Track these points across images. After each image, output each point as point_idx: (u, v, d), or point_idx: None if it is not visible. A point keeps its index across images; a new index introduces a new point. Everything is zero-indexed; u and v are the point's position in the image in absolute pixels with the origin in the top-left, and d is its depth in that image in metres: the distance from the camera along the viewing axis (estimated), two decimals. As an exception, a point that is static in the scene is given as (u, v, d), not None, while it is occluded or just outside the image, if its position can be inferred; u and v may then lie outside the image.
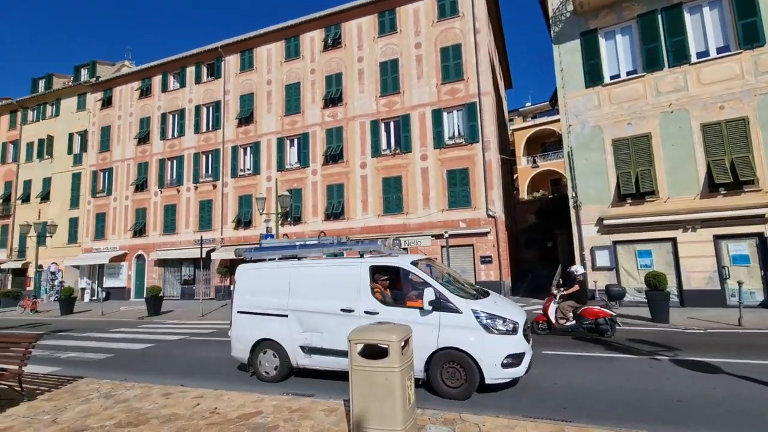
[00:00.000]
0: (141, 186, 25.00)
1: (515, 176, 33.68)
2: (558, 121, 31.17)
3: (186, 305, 19.40)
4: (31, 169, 29.49)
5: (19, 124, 30.71)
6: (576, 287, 8.93)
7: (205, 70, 24.38)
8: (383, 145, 19.41)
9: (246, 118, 22.40)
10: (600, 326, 8.43)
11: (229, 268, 21.55)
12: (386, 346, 3.68)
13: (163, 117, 24.97)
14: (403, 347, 3.77)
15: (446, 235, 16.21)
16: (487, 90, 17.80)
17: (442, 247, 16.94)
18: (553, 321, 8.90)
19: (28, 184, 29.42)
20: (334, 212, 19.64)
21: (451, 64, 18.45)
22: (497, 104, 20.71)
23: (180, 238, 23.31)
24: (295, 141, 21.41)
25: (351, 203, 19.52)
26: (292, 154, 21.47)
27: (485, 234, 16.87)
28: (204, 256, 20.25)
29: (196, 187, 23.32)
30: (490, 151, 17.39)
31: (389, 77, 19.55)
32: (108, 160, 26.49)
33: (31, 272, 25.35)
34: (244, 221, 21.69)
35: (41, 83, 31.19)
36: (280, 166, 21.28)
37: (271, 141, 21.76)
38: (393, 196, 18.74)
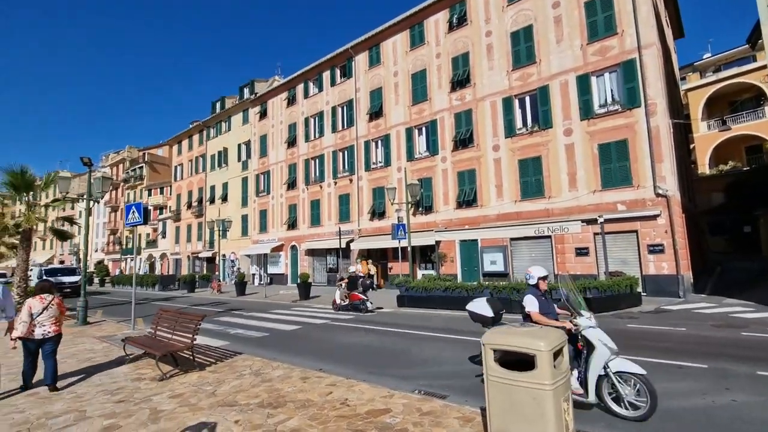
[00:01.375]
0: (291, 184, 28.16)
1: (691, 146, 27.33)
2: (755, 70, 24.20)
3: (331, 291, 21.04)
4: (215, 176, 36.11)
5: (205, 141, 37.91)
6: (347, 278, 13.82)
7: (338, 72, 26.00)
8: (518, 123, 17.67)
9: (376, 112, 23.09)
10: (359, 306, 13.01)
11: (366, 257, 22.66)
12: (533, 356, 2.90)
13: (306, 121, 27.58)
14: (555, 358, 2.93)
15: (601, 220, 13.85)
16: (650, 41, 14.53)
17: (596, 234, 14.58)
18: (338, 302, 13.54)
19: (213, 188, 36.14)
20: (466, 200, 18.76)
21: (599, 18, 15.64)
22: (664, 58, 16.83)
23: (324, 230, 25.50)
24: (423, 129, 21.16)
25: (484, 189, 18.36)
26: (420, 143, 21.30)
27: (653, 217, 13.88)
28: (344, 246, 21.69)
29: (336, 183, 25.12)
30: (656, 116, 14.20)
31: (522, 47, 17.64)
32: (266, 164, 30.59)
33: (217, 260, 31.06)
34: (378, 212, 22.47)
35: (218, 105, 37.82)
36: (410, 156, 21.32)
37: (400, 132, 21.97)
38: (532, 178, 16.92)
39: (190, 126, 39.87)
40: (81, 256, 57.04)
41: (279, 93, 30.05)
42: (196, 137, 39.49)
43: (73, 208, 59.01)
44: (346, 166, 24.89)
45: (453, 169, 19.54)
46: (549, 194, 16.38)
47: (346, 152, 24.97)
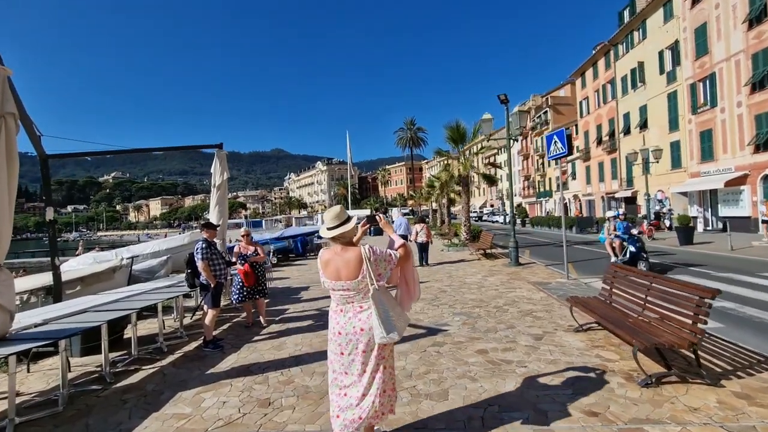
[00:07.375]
0: (759, 83, 18.61)
1: None
2: None
3: None
4: (627, 101, 30.36)
5: (612, 63, 32.49)
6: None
7: None
8: None
9: None
10: None
11: None
12: None
13: (790, -30, 16.92)
14: None
15: None
16: None
17: None
18: None
19: (626, 116, 30.63)
20: None
21: None
22: None
23: (842, 143, 15.12)
24: None
25: None
26: None
27: None
28: None
29: None
30: None
31: None
32: (707, 66, 21.92)
33: (640, 200, 26.14)
34: None
35: (625, 14, 31.06)
36: None
37: None
38: None
39: (593, 51, 35.35)
40: (505, 199, 66.76)
41: (727, -50, 20.21)
42: (601, 62, 34.68)
43: (495, 160, 69.30)
44: None
45: None
46: None
47: None
